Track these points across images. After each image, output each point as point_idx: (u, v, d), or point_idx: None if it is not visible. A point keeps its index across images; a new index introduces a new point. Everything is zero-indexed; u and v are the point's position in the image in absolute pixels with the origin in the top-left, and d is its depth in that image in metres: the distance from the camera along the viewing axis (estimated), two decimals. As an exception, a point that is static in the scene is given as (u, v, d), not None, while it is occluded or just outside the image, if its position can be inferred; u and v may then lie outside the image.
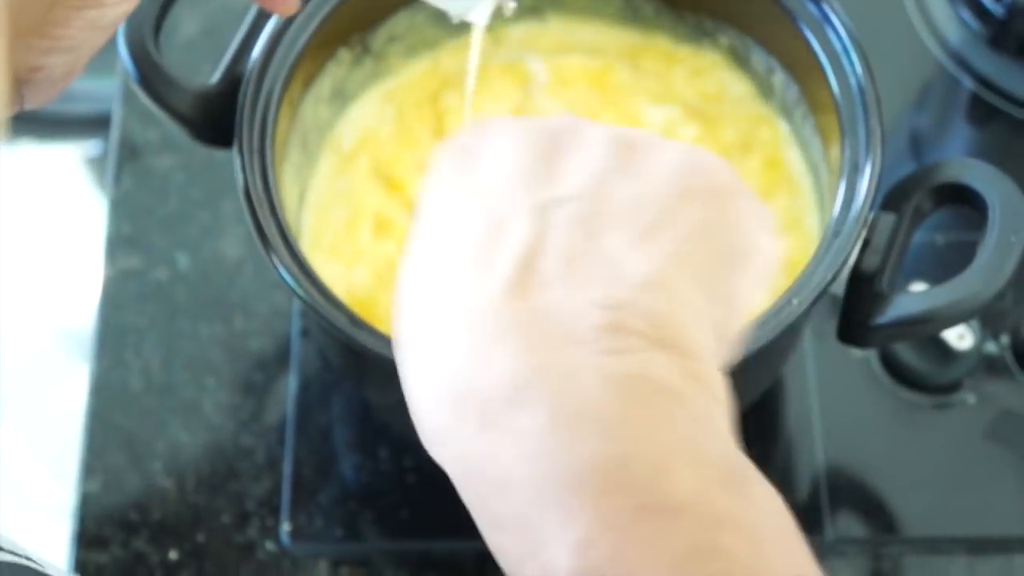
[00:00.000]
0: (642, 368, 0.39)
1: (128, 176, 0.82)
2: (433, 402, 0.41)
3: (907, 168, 0.73)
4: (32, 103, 0.59)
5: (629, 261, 0.41)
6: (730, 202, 0.44)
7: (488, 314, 0.40)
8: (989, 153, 0.86)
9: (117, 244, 0.80)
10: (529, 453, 0.38)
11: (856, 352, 0.75)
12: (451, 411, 0.40)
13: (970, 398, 0.74)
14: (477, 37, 0.65)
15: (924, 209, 0.64)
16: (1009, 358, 0.75)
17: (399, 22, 0.72)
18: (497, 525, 0.40)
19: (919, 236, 0.78)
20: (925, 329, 0.62)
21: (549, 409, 0.38)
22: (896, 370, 0.74)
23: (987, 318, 0.75)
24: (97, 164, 1.33)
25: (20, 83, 0.57)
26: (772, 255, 0.45)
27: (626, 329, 0.40)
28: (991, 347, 0.75)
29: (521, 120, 0.45)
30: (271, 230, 0.61)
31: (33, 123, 1.30)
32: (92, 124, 1.29)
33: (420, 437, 0.42)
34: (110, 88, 0.86)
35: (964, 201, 0.64)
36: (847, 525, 0.72)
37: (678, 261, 0.41)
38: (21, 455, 1.42)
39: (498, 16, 0.63)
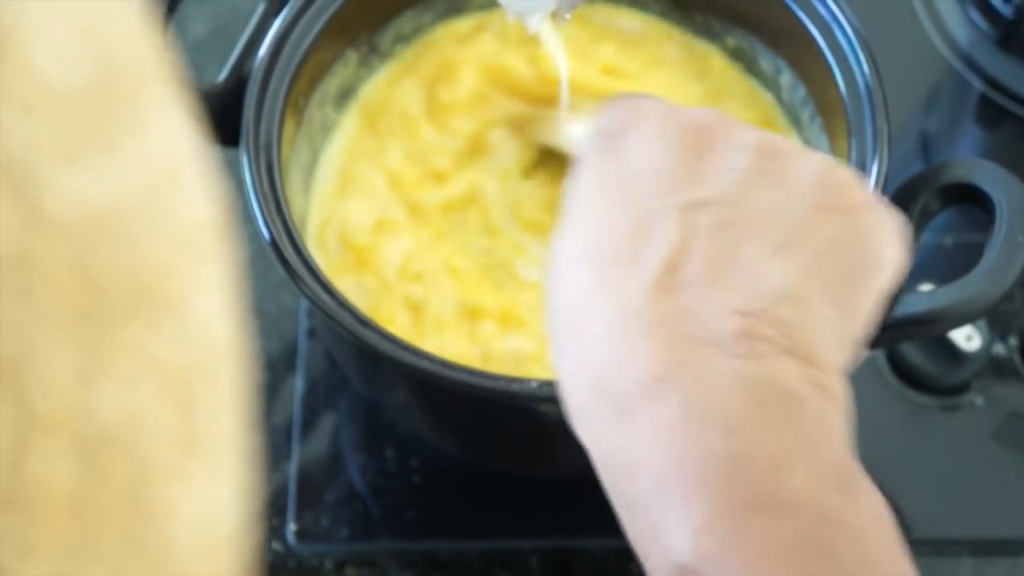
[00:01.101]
0: (771, 373, 0.42)
1: (136, 176, 0.82)
2: (579, 388, 0.44)
3: (917, 169, 0.72)
4: None
5: (767, 271, 0.44)
6: (864, 217, 0.47)
7: (633, 311, 0.43)
8: (998, 154, 0.86)
9: (124, 243, 0.80)
10: (659, 442, 0.41)
11: (863, 353, 0.74)
12: (594, 398, 0.43)
13: (978, 400, 0.74)
14: (556, 48, 0.65)
15: (931, 209, 0.64)
16: (1017, 360, 0.75)
17: (406, 22, 0.73)
18: (627, 507, 0.43)
19: (928, 237, 0.78)
20: (931, 330, 0.61)
21: (681, 403, 0.41)
22: (904, 371, 0.74)
23: (995, 320, 0.75)
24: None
25: None
26: (898, 265, 0.49)
27: (760, 336, 0.42)
28: (999, 349, 0.75)
29: (666, 109, 0.48)
30: (277, 229, 0.61)
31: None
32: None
33: (570, 420, 0.45)
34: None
35: (971, 201, 0.63)
36: (854, 527, 0.72)
37: (811, 274, 0.44)
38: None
39: (559, 20, 0.63)
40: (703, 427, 0.41)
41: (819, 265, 0.45)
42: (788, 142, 0.48)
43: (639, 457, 0.42)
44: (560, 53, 0.66)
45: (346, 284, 0.67)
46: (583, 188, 0.47)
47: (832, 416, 0.43)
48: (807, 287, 0.44)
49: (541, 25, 0.63)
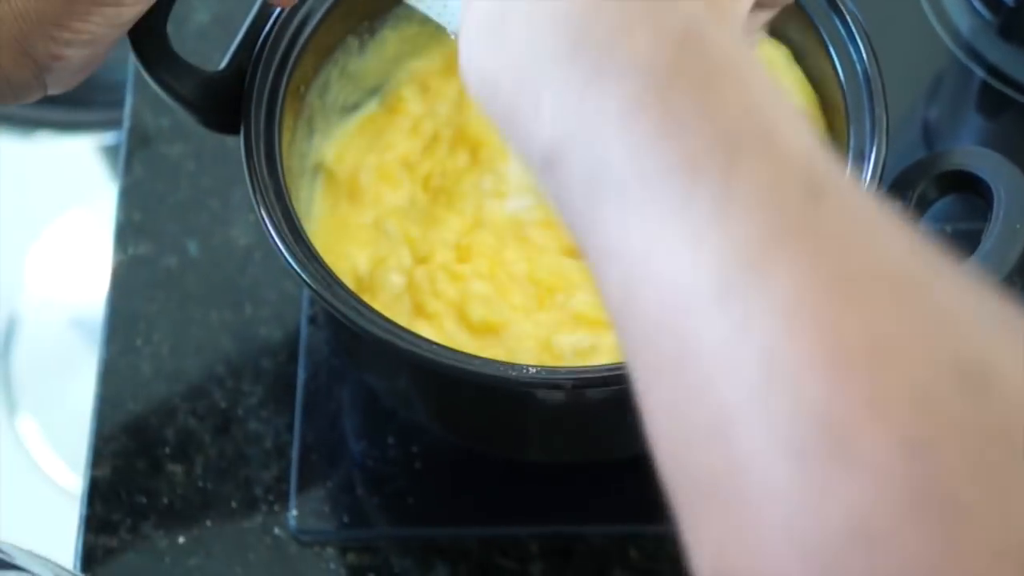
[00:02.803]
0: None
1: (139, 164, 0.83)
2: (467, 34, 0.45)
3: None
4: (54, 89, 0.61)
5: None
6: None
7: None
8: (1001, 143, 0.86)
9: (128, 231, 0.81)
10: (516, 40, 0.43)
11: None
12: (480, 39, 0.44)
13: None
14: None
15: (930, 196, 0.64)
16: (1017, 347, 0.75)
17: (406, 11, 0.73)
18: (503, 122, 0.43)
19: (928, 226, 0.78)
20: (929, 317, 0.61)
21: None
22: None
23: (995, 307, 0.75)
24: (113, 153, 1.34)
25: (42, 70, 0.59)
26: None
27: None
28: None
29: None
30: (276, 216, 0.62)
31: (53, 111, 1.31)
32: (111, 114, 1.30)
33: (460, 72, 0.45)
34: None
35: (969, 189, 0.63)
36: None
37: None
38: (37, 444, 1.43)
39: None
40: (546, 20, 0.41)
41: None
42: None
43: (502, 66, 0.42)
44: None
45: (346, 269, 0.68)
46: None
47: None
48: None
49: None
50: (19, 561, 0.54)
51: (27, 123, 1.32)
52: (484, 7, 0.44)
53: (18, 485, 1.40)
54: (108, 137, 1.33)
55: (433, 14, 0.62)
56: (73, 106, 1.29)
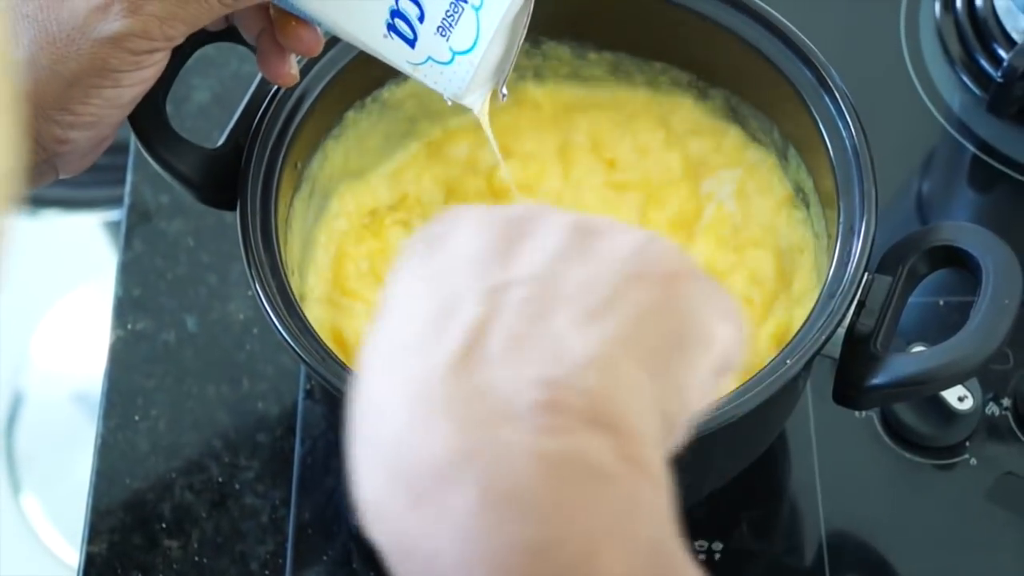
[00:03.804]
0: (575, 448, 0.39)
1: (139, 240, 0.83)
2: (371, 477, 0.41)
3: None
4: (66, 173, 0.62)
5: (573, 341, 0.41)
6: (681, 286, 0.44)
7: (428, 389, 0.40)
8: (993, 217, 0.86)
9: (126, 306, 0.81)
10: (459, 533, 0.39)
11: (858, 414, 0.75)
12: (387, 486, 0.40)
13: (972, 460, 0.74)
14: (486, 124, 0.66)
15: (919, 271, 0.65)
16: (1011, 420, 0.75)
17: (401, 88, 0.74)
18: None
19: (921, 298, 0.79)
20: (919, 391, 0.62)
21: (480, 489, 0.39)
22: (898, 432, 0.74)
23: (988, 380, 0.75)
24: (117, 229, 1.35)
25: (51, 155, 0.60)
26: (730, 342, 0.45)
27: (562, 407, 0.40)
28: (993, 409, 0.75)
29: (488, 208, 0.46)
30: (272, 292, 0.62)
31: (57, 189, 1.32)
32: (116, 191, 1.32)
33: (359, 515, 0.42)
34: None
35: (959, 264, 0.64)
36: (849, 587, 0.72)
37: (622, 343, 0.42)
38: (41, 520, 1.43)
39: (494, 101, 0.64)
40: (505, 514, 0.38)
41: (632, 332, 0.42)
42: (610, 221, 0.45)
43: (438, 551, 0.39)
44: (488, 127, 0.66)
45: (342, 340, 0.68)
46: (397, 286, 0.45)
47: (643, 491, 0.40)
48: (617, 355, 0.41)
49: (482, 106, 0.64)
50: None
51: (32, 201, 1.34)
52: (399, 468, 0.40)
53: (21, 562, 1.40)
54: (114, 214, 1.34)
55: (430, 82, 0.63)
56: (77, 184, 1.31)
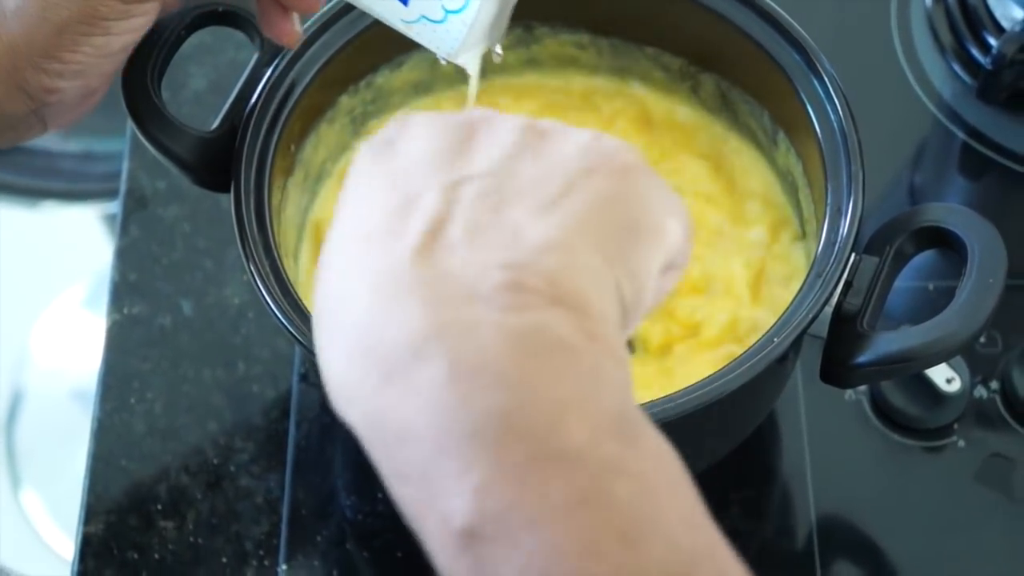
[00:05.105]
0: (539, 323, 0.41)
1: (135, 225, 0.84)
2: (339, 360, 0.42)
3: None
4: (54, 126, 0.63)
5: (531, 229, 0.43)
6: (633, 178, 0.46)
7: (393, 276, 0.42)
8: (984, 204, 0.87)
9: (123, 291, 0.82)
10: (429, 406, 0.40)
11: (847, 396, 0.76)
12: (356, 367, 0.42)
13: (960, 442, 0.75)
14: (474, 86, 0.67)
15: (906, 252, 0.65)
16: (999, 403, 0.76)
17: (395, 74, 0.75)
18: (401, 478, 0.42)
19: (910, 283, 0.79)
20: (905, 368, 0.63)
21: (448, 363, 0.40)
22: (887, 414, 0.75)
23: (977, 363, 0.76)
24: (114, 222, 1.36)
25: (39, 104, 0.61)
26: (679, 238, 0.47)
27: (525, 287, 0.42)
28: (981, 392, 0.76)
29: (439, 113, 0.48)
30: (264, 269, 0.63)
31: (56, 181, 1.33)
32: (113, 184, 1.32)
33: (331, 400, 0.43)
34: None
35: (945, 244, 0.65)
36: (839, 569, 0.73)
37: (579, 228, 0.43)
38: (41, 516, 1.43)
39: (487, 63, 0.65)
40: (473, 385, 0.40)
41: (586, 219, 0.44)
42: (558, 124, 0.47)
43: (410, 423, 0.40)
44: (474, 89, 0.67)
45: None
46: (352, 185, 0.46)
47: (606, 365, 0.42)
48: (574, 239, 0.43)
49: (475, 66, 0.65)
50: None
51: (32, 193, 1.34)
52: (369, 326, 0.42)
53: (21, 557, 1.41)
54: (112, 206, 1.35)
55: (423, 41, 0.64)
56: (75, 176, 1.31)
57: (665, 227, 0.46)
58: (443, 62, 0.64)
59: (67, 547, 1.40)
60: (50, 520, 1.43)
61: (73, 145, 1.29)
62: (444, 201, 0.44)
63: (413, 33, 0.63)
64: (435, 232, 0.43)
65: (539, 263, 0.42)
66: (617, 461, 0.40)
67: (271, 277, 0.63)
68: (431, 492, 0.40)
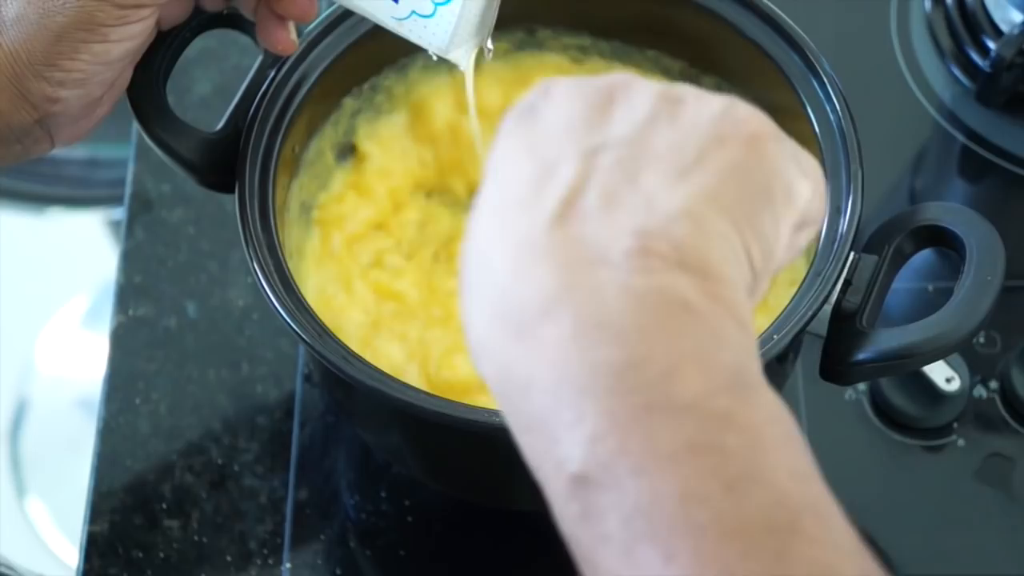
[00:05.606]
0: (663, 285, 0.43)
1: (140, 228, 0.85)
2: (479, 320, 0.45)
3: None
4: (60, 140, 0.63)
5: (663, 197, 0.45)
6: (762, 145, 0.47)
7: (530, 243, 0.44)
8: (984, 206, 0.87)
9: (128, 293, 0.83)
10: (551, 359, 0.42)
11: (847, 395, 0.76)
12: (492, 325, 0.44)
13: (960, 441, 0.75)
14: (470, 81, 0.67)
15: (905, 251, 0.66)
16: (998, 402, 0.76)
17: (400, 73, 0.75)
18: (524, 428, 0.44)
19: (909, 284, 0.80)
20: (904, 364, 0.63)
21: (572, 320, 0.43)
22: (886, 413, 0.76)
23: (976, 363, 0.77)
24: (119, 228, 1.36)
25: (43, 115, 0.61)
26: (811, 197, 0.48)
27: (653, 252, 0.43)
28: (980, 392, 0.76)
29: (580, 79, 0.49)
30: (268, 268, 0.64)
31: (61, 187, 1.33)
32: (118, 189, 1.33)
33: (471, 356, 0.46)
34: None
35: (943, 243, 0.65)
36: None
37: (710, 197, 0.45)
38: (46, 525, 1.44)
39: (479, 59, 0.65)
40: (594, 339, 0.42)
41: (717, 188, 0.45)
42: (694, 89, 0.49)
43: (534, 375, 0.43)
44: (471, 85, 0.68)
45: (339, 322, 0.69)
46: (497, 154, 0.48)
47: (727, 324, 0.43)
48: (704, 208, 0.45)
49: (467, 62, 0.66)
50: None
51: (37, 199, 1.35)
52: (505, 291, 0.45)
53: (26, 566, 1.41)
54: (118, 212, 1.35)
55: (415, 38, 0.65)
56: (80, 183, 1.32)
57: (794, 189, 0.47)
58: (435, 58, 0.65)
59: (72, 555, 1.41)
60: (55, 528, 1.44)
61: (78, 151, 1.30)
62: (581, 170, 0.45)
63: (404, 30, 0.64)
64: (571, 201, 0.45)
65: (669, 230, 0.44)
66: (729, 414, 0.42)
67: (275, 276, 0.64)
68: (549, 440, 0.42)
